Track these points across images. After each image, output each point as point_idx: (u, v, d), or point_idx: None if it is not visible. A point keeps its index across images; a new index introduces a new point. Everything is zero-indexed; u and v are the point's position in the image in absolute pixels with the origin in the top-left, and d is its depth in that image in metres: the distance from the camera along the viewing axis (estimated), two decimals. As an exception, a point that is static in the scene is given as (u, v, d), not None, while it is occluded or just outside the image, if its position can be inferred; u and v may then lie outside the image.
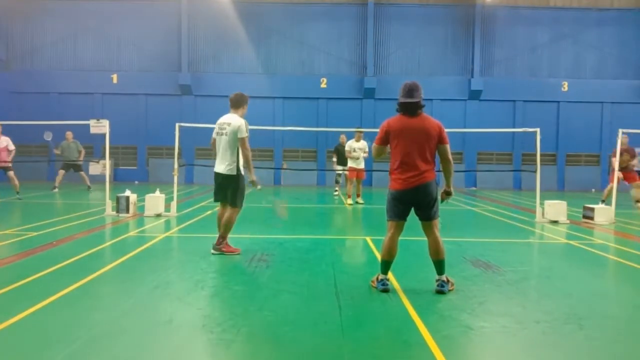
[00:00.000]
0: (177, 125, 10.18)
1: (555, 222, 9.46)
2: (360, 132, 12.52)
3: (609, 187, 11.57)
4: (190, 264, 5.60)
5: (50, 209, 11.00)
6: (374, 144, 4.56)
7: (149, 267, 5.47)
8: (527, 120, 19.83)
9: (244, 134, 5.97)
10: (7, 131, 12.66)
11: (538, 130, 9.96)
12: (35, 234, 7.39)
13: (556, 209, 9.61)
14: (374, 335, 3.49)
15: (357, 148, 12.36)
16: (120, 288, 4.70)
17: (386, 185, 4.60)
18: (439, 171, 4.57)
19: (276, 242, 7.00)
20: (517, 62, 21.20)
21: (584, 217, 9.82)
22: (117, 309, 3.97)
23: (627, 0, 21.06)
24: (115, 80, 20.73)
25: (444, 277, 4.53)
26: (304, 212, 11.59)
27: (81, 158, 15.67)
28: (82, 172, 15.68)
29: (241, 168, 6.10)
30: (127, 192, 9.59)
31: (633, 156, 11.63)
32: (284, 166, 20.23)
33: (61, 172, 15.47)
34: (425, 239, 4.60)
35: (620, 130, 9.80)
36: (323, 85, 20.71)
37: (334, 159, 13.99)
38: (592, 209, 9.59)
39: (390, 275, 4.69)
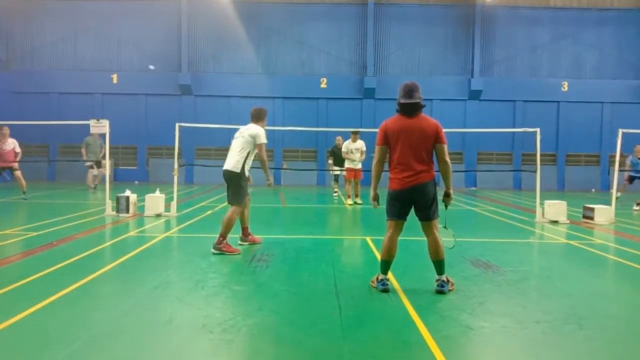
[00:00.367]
0: (177, 125, 10.19)
1: (555, 222, 9.47)
2: (357, 132, 12.46)
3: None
4: (190, 264, 5.60)
5: (50, 209, 11.00)
6: (376, 147, 4.54)
7: (149, 267, 5.47)
8: (527, 120, 19.84)
9: (263, 140, 6.35)
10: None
11: (538, 130, 9.96)
12: (35, 234, 7.39)
13: (556, 209, 9.61)
14: (374, 335, 3.49)
15: (354, 149, 12.35)
16: (120, 288, 4.70)
17: (385, 185, 4.60)
18: (438, 171, 4.57)
19: (276, 242, 7.00)
20: (517, 62, 21.21)
21: (584, 217, 9.82)
22: (117, 309, 3.97)
23: (627, 0, 21.07)
24: (115, 80, 20.73)
25: (444, 277, 4.52)
26: (304, 212, 11.60)
27: (101, 155, 15.82)
28: (101, 170, 15.78)
29: (246, 171, 6.33)
30: (127, 192, 9.59)
31: None
32: (284, 166, 20.23)
33: (91, 171, 15.62)
34: (424, 238, 4.60)
35: (620, 130, 9.80)
36: (323, 85, 20.71)
37: (330, 162, 13.97)
38: (592, 209, 9.58)
39: (390, 275, 4.69)
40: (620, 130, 9.81)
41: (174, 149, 10.31)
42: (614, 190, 10.30)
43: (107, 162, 10.67)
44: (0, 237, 7.00)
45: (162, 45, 20.93)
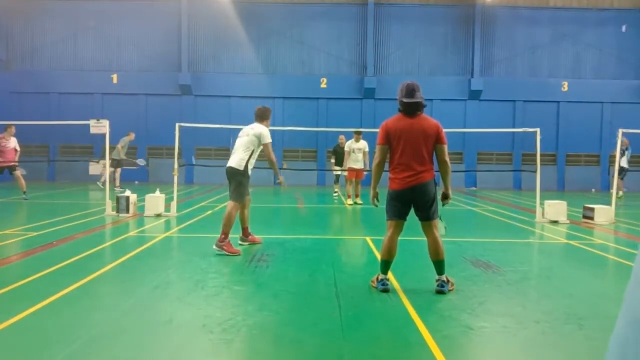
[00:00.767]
0: (177, 125, 10.18)
1: (555, 222, 9.46)
2: (359, 133, 12.48)
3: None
4: (190, 264, 5.60)
5: (50, 209, 11.00)
6: (377, 146, 4.54)
7: (149, 267, 5.47)
8: (527, 120, 19.82)
9: (268, 139, 6.42)
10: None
11: (538, 130, 9.96)
12: (35, 234, 7.39)
13: (556, 209, 9.61)
14: (374, 335, 3.49)
15: (357, 149, 12.34)
16: (120, 288, 4.70)
17: (386, 185, 4.60)
18: (438, 171, 4.57)
19: (276, 242, 7.00)
20: (517, 62, 21.20)
21: (584, 217, 9.82)
22: (117, 309, 3.97)
23: (627, 0, 21.06)
24: (115, 80, 20.72)
25: (443, 277, 4.52)
26: (304, 212, 11.60)
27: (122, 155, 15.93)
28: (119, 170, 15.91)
29: (249, 169, 6.39)
30: (127, 192, 9.59)
31: None
32: (284, 166, 20.18)
33: (118, 170, 15.75)
34: (424, 238, 4.60)
35: (620, 130, 9.80)
36: (323, 85, 20.70)
37: (332, 160, 13.96)
38: (592, 209, 9.58)
39: (390, 275, 4.69)
40: (620, 130, 9.81)
41: (174, 149, 10.31)
42: (614, 190, 10.30)
43: (107, 162, 10.66)
44: (0, 237, 7.00)
45: (162, 45, 20.93)
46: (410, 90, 4.42)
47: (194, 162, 17.28)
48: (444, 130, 4.53)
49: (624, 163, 13.54)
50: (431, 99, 19.96)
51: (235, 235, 6.64)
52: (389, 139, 4.47)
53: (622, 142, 12.28)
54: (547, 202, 9.68)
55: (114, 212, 9.49)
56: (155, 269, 5.33)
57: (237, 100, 20.60)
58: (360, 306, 4.14)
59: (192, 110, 20.60)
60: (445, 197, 4.56)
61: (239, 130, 6.73)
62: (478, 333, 3.56)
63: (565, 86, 20.86)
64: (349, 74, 21.03)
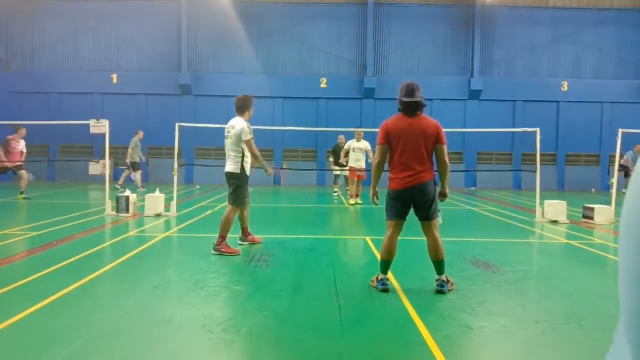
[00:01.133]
0: (177, 125, 10.18)
1: (555, 222, 9.46)
2: (360, 131, 12.45)
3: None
4: (190, 264, 5.60)
5: (50, 209, 11.00)
6: (378, 146, 4.53)
7: (149, 267, 5.47)
8: (527, 120, 19.82)
9: (248, 136, 6.16)
10: (8, 131, 12.67)
11: (538, 130, 9.96)
12: (35, 234, 7.39)
13: (556, 209, 9.61)
14: (374, 335, 3.49)
15: (358, 148, 12.28)
16: (120, 288, 4.70)
17: (386, 185, 4.60)
18: (437, 171, 4.57)
19: (276, 242, 7.00)
20: (517, 62, 21.20)
21: (584, 217, 9.82)
22: (117, 309, 3.97)
23: (626, 0, 21.06)
24: (115, 80, 20.72)
25: (443, 277, 4.52)
26: (304, 212, 11.60)
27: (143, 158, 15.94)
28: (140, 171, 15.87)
29: (246, 169, 6.26)
30: (127, 192, 9.59)
31: None
32: (284, 166, 20.17)
33: (139, 172, 15.67)
34: (424, 238, 4.60)
35: (620, 130, 9.80)
36: (323, 85, 20.70)
37: (331, 159, 13.92)
38: (592, 209, 9.58)
39: (390, 275, 4.69)
40: (620, 130, 9.80)
41: (174, 149, 10.31)
42: (614, 190, 10.30)
43: (107, 162, 10.66)
44: (0, 237, 7.00)
45: (162, 45, 20.92)
46: (411, 90, 4.42)
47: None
48: (444, 130, 4.54)
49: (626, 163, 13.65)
50: (431, 99, 19.95)
51: (234, 236, 6.64)
52: (389, 138, 4.47)
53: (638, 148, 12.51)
54: (547, 202, 9.68)
55: (114, 212, 9.49)
56: (155, 269, 5.33)
57: (237, 100, 20.56)
58: (360, 306, 4.14)
59: (192, 110, 20.60)
60: (443, 195, 4.57)
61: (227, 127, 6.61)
62: (478, 333, 3.56)
63: (565, 86, 20.85)
64: (349, 74, 21.02)
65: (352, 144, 12.32)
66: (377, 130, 4.67)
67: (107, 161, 10.60)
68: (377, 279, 4.59)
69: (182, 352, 3.17)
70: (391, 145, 4.47)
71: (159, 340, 3.36)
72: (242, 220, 6.67)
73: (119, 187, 14.87)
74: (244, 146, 6.19)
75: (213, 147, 20.78)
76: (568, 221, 9.55)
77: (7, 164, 12.16)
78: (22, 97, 20.32)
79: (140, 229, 8.20)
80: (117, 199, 9.48)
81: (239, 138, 6.16)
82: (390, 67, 21.12)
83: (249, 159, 6.32)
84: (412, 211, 4.55)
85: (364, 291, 4.57)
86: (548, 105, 20.96)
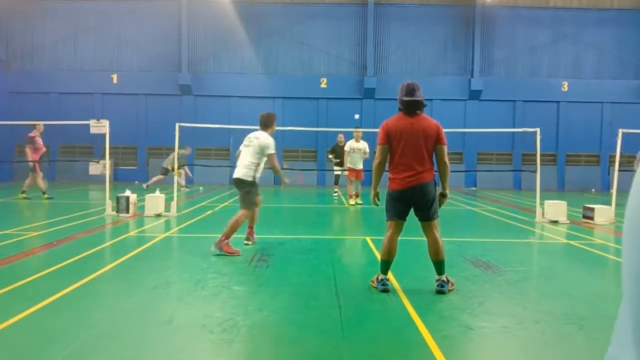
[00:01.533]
0: (177, 125, 10.19)
1: (555, 222, 9.46)
2: (359, 132, 12.42)
3: None
4: (190, 264, 5.60)
5: (50, 209, 11.00)
6: (378, 146, 4.52)
7: (149, 267, 5.47)
8: (527, 120, 19.83)
9: (272, 150, 6.43)
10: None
11: (538, 130, 9.96)
12: (35, 234, 7.40)
13: (556, 209, 9.61)
14: (374, 335, 3.49)
15: (357, 149, 12.27)
16: (120, 288, 4.70)
17: (386, 185, 4.60)
18: (437, 171, 4.57)
19: (276, 242, 7.00)
20: (517, 62, 21.20)
21: (584, 217, 9.82)
22: (117, 309, 3.97)
23: (626, 0, 21.06)
24: (115, 80, 20.73)
25: (443, 277, 4.52)
26: (304, 212, 11.60)
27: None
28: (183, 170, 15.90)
29: (257, 179, 6.43)
30: (127, 192, 9.59)
31: None
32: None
33: (161, 177, 15.45)
34: (424, 238, 4.60)
35: (620, 130, 9.80)
36: (323, 85, 20.70)
37: (330, 156, 13.86)
38: (592, 209, 9.58)
39: (390, 275, 4.69)
40: (620, 130, 9.80)
41: (174, 149, 10.30)
42: (614, 191, 10.30)
43: (107, 162, 10.66)
44: (0, 237, 7.00)
45: (162, 45, 20.93)
46: (411, 90, 4.42)
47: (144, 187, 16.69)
48: (444, 130, 4.53)
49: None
50: (431, 99, 19.96)
51: (240, 236, 6.63)
52: (389, 138, 4.46)
53: None
54: (547, 202, 9.68)
55: (114, 212, 9.49)
56: (155, 269, 5.33)
57: (237, 100, 20.60)
58: (360, 306, 4.14)
59: (192, 110, 20.61)
60: (443, 196, 4.57)
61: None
62: (478, 333, 3.56)
63: (565, 86, 20.86)
64: (349, 74, 21.03)
65: (351, 144, 12.32)
66: (377, 130, 4.66)
67: (107, 161, 10.60)
68: (377, 279, 4.59)
69: (182, 352, 3.17)
70: (391, 145, 4.46)
71: (159, 340, 3.36)
72: (251, 218, 6.71)
73: (144, 185, 15.01)
74: (261, 158, 6.40)
75: (213, 147, 20.78)
76: (568, 221, 9.55)
77: (37, 163, 12.37)
78: (22, 97, 20.32)
79: (140, 229, 8.20)
80: (117, 199, 9.48)
81: (261, 150, 6.37)
82: (390, 67, 21.12)
83: (261, 169, 6.49)
84: (412, 211, 4.54)
85: (364, 291, 4.57)
86: (548, 105, 20.96)
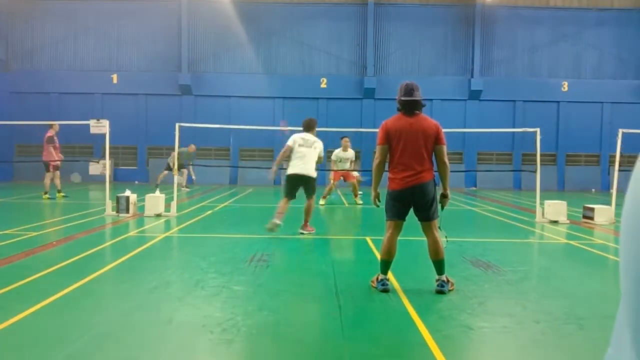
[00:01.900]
0: (177, 125, 10.18)
1: (555, 222, 9.46)
2: (347, 141, 12.16)
3: None
4: (190, 264, 5.60)
5: (50, 209, 11.00)
6: (378, 146, 4.53)
7: (149, 267, 5.47)
8: (527, 120, 19.84)
9: (323, 153, 7.94)
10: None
11: (538, 130, 9.96)
12: (35, 234, 7.39)
13: (556, 209, 9.61)
14: (374, 335, 3.49)
15: (344, 158, 12.12)
16: (120, 288, 4.70)
17: (385, 185, 4.60)
18: (437, 171, 4.57)
19: (276, 242, 7.01)
20: (517, 62, 21.20)
21: (584, 217, 9.82)
22: (117, 309, 3.97)
23: (627, 0, 21.07)
24: (115, 80, 20.73)
25: (444, 277, 4.52)
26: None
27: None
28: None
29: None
30: (127, 192, 9.59)
31: None
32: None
33: (166, 173, 15.47)
34: (424, 238, 4.60)
35: (620, 130, 9.80)
36: (323, 85, 20.71)
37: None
38: (592, 209, 9.58)
39: (390, 275, 4.69)
40: (620, 130, 9.80)
41: (174, 149, 10.30)
42: (614, 191, 10.30)
43: (107, 162, 10.66)
44: (0, 237, 7.00)
45: (162, 45, 20.93)
46: (409, 90, 4.43)
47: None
48: (444, 130, 4.54)
49: None
50: (431, 99, 19.96)
51: (233, 235, 6.63)
52: (389, 138, 4.46)
53: None
54: (547, 202, 9.68)
55: (114, 212, 9.49)
56: (155, 269, 5.33)
57: (237, 100, 20.60)
58: (360, 306, 4.14)
59: (192, 110, 20.61)
60: (444, 197, 4.57)
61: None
62: (478, 333, 3.56)
63: (565, 86, 20.86)
64: (349, 74, 21.03)
65: (339, 153, 12.05)
66: (377, 130, 4.67)
67: (107, 161, 10.59)
68: (377, 279, 4.59)
69: (182, 352, 3.17)
70: (391, 145, 4.46)
71: (159, 340, 3.36)
72: (307, 212, 7.84)
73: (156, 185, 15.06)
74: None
75: (213, 147, 20.78)
76: (568, 221, 9.55)
77: (57, 162, 12.49)
78: (23, 97, 20.33)
79: (140, 229, 8.20)
80: (117, 199, 9.48)
81: (319, 150, 7.74)
82: (390, 67, 21.12)
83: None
84: (411, 211, 4.54)
85: (364, 291, 4.56)
86: (548, 105, 20.97)
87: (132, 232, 7.82)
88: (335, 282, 4.86)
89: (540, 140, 9.97)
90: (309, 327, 3.61)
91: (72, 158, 19.92)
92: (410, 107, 4.43)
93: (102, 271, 5.19)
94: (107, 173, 10.76)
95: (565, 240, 7.72)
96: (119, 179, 20.34)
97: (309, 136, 7.81)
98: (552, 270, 5.78)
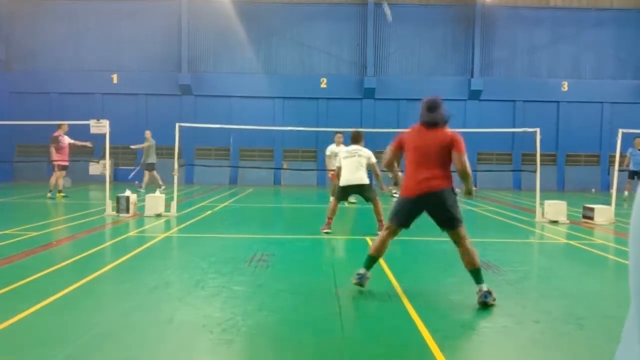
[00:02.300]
0: (177, 125, 10.19)
1: (555, 222, 9.47)
2: (340, 136, 12.00)
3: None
4: (190, 264, 5.61)
5: (50, 209, 11.01)
6: (389, 147, 4.62)
7: (149, 267, 5.47)
8: (527, 120, 19.82)
9: (374, 159, 8.01)
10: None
11: (538, 130, 9.96)
12: (35, 234, 7.40)
13: (556, 209, 9.61)
14: (374, 335, 3.50)
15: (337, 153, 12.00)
16: (120, 288, 4.71)
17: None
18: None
19: (276, 242, 7.01)
20: (517, 62, 21.20)
21: (584, 217, 9.82)
22: (117, 309, 3.97)
23: (626, 1, 21.07)
24: (115, 80, 20.73)
25: (484, 287, 4.21)
26: (304, 212, 11.60)
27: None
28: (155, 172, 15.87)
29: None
30: (127, 192, 9.59)
31: None
32: (284, 166, 20.22)
33: (153, 172, 15.56)
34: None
35: (620, 130, 9.80)
36: (323, 85, 20.70)
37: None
38: (592, 209, 9.58)
39: (390, 275, 4.70)
40: (620, 130, 9.81)
41: (173, 149, 10.31)
42: (613, 191, 10.30)
43: (107, 162, 10.67)
44: (0, 237, 7.01)
45: (162, 45, 20.93)
46: (429, 107, 4.43)
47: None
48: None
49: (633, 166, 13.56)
50: (431, 99, 19.89)
51: (232, 235, 6.63)
52: (402, 145, 4.54)
53: None
54: (547, 202, 9.68)
55: (114, 212, 9.49)
56: (155, 269, 5.33)
57: (237, 100, 20.60)
58: (360, 306, 4.14)
59: (192, 110, 20.61)
60: (467, 193, 4.69)
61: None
62: (478, 333, 3.56)
63: (565, 86, 20.86)
64: (349, 74, 21.02)
65: (333, 148, 11.89)
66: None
67: (107, 161, 10.60)
68: (357, 272, 4.48)
69: (182, 352, 3.17)
70: (406, 153, 4.52)
71: (159, 340, 3.37)
72: (377, 213, 7.94)
73: (141, 189, 15.07)
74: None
75: (213, 147, 20.78)
76: (568, 221, 9.55)
77: (61, 162, 12.47)
78: (23, 97, 20.33)
79: (140, 229, 8.20)
80: (117, 199, 9.48)
81: (367, 159, 7.93)
82: (390, 67, 21.11)
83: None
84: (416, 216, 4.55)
85: (364, 291, 4.56)
86: (548, 105, 20.97)
87: (132, 232, 7.82)
88: (335, 282, 4.86)
89: (540, 140, 9.97)
90: (309, 327, 3.61)
91: (72, 158, 19.88)
92: (430, 124, 4.45)
93: (102, 271, 5.19)
94: (107, 173, 10.78)
95: (565, 240, 7.73)
96: (119, 179, 20.34)
97: (356, 147, 8.12)
98: (552, 270, 5.78)
